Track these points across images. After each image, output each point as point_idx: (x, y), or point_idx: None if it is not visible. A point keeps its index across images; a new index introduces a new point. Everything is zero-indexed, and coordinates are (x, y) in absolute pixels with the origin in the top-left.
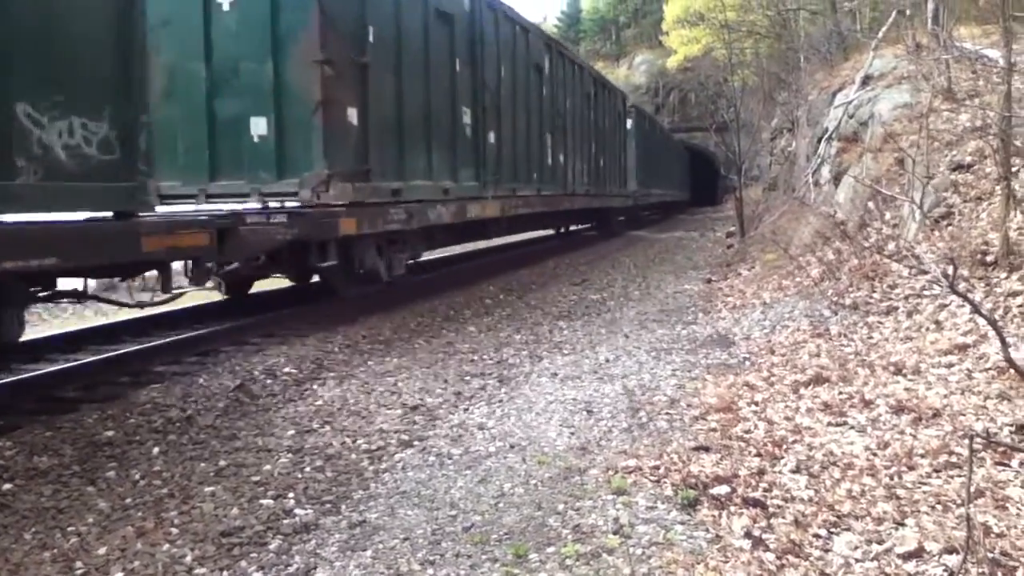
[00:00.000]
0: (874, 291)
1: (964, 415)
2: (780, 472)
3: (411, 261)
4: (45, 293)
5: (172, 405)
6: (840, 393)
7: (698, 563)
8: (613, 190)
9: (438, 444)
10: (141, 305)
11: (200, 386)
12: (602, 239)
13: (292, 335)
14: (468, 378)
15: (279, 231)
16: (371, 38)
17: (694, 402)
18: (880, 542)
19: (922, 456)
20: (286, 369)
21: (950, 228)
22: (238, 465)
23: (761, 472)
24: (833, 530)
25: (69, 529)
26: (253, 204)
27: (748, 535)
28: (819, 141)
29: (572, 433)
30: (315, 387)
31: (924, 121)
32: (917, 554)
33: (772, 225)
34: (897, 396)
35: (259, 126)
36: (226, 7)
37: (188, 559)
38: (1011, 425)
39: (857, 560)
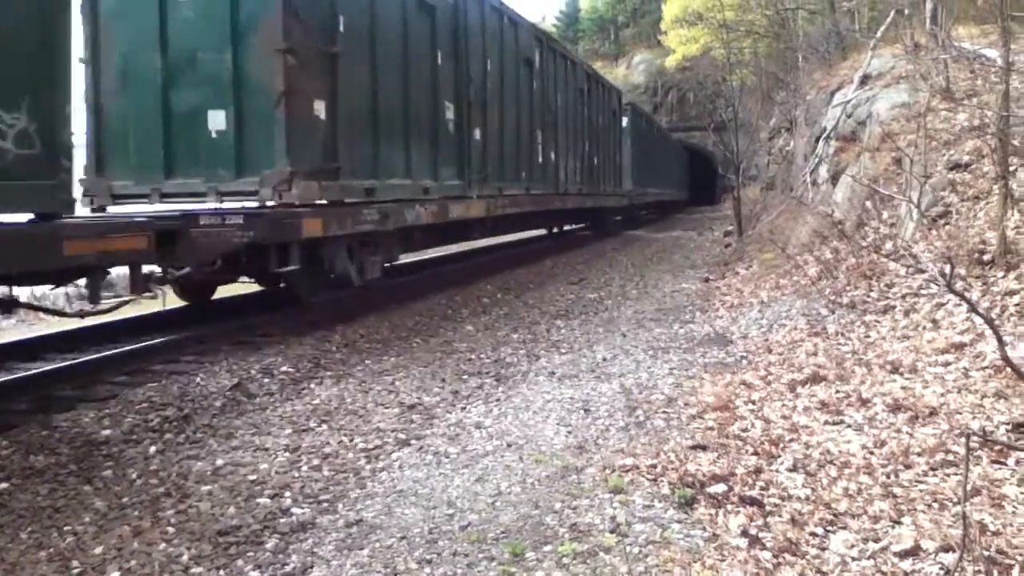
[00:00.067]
0: (871, 290)
1: (961, 413)
2: (777, 471)
3: (388, 264)
4: None
5: (169, 404)
6: (837, 392)
7: (695, 562)
8: (608, 189)
9: (435, 443)
10: (82, 314)
11: (197, 385)
12: (599, 239)
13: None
14: (466, 377)
15: (235, 234)
16: (342, 27)
17: (691, 401)
18: (876, 540)
19: (919, 454)
20: (283, 368)
21: (947, 227)
22: (235, 464)
23: (758, 471)
24: (830, 528)
25: (65, 528)
26: (211, 204)
27: (745, 534)
28: (817, 140)
29: (569, 432)
30: (312, 386)
31: (922, 120)
32: (913, 552)
33: (770, 224)
34: (894, 395)
35: (217, 120)
36: None
37: (185, 558)
38: (1007, 423)
39: (853, 558)
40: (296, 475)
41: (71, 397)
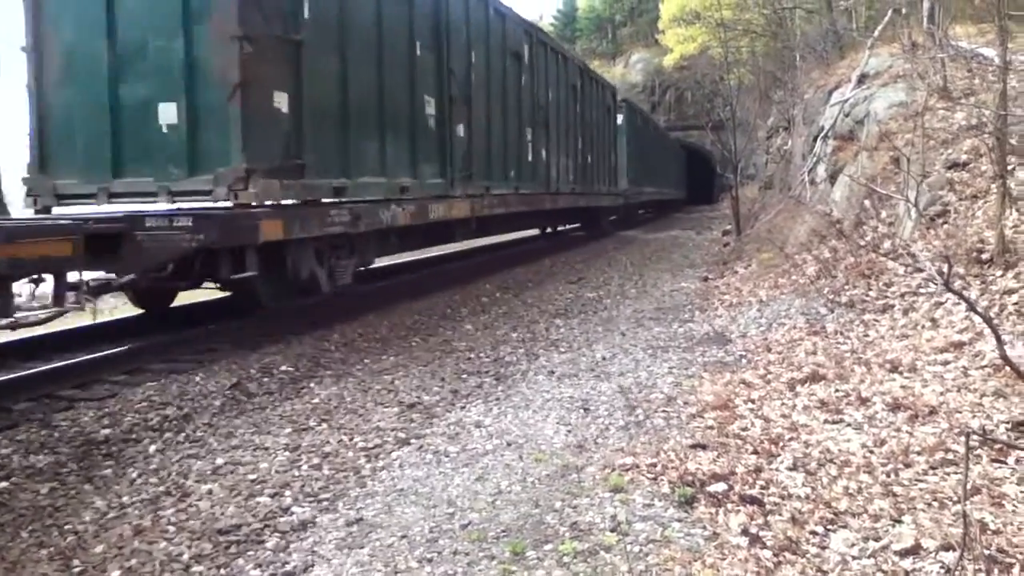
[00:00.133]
0: (870, 289)
1: (960, 412)
2: (777, 469)
3: (362, 268)
4: None
5: (169, 403)
6: (836, 391)
7: (695, 560)
8: (602, 188)
9: (435, 442)
10: (14, 326)
11: (197, 384)
12: (597, 239)
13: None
14: (465, 376)
15: (183, 237)
16: (307, 13)
17: (691, 400)
18: (877, 539)
19: (919, 453)
20: (283, 367)
21: (946, 226)
22: (235, 463)
23: (758, 469)
24: (830, 527)
25: (66, 527)
26: (163, 205)
27: (745, 532)
28: (815, 140)
29: (569, 431)
30: (312, 385)
31: (920, 120)
32: (914, 551)
33: (768, 224)
34: (893, 393)
35: (168, 114)
36: None
37: (185, 557)
38: (1007, 422)
39: (854, 557)
40: (296, 474)
41: None
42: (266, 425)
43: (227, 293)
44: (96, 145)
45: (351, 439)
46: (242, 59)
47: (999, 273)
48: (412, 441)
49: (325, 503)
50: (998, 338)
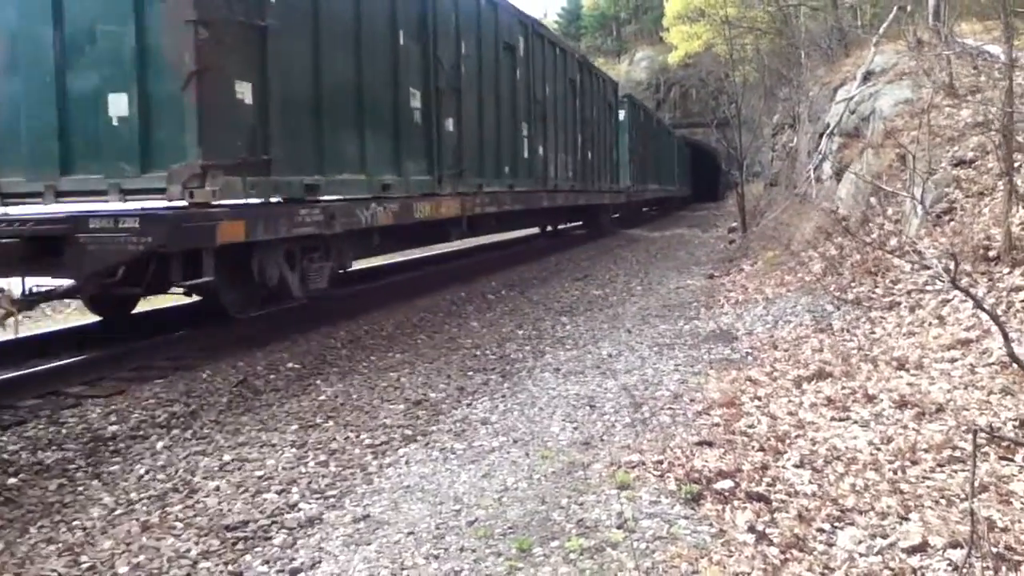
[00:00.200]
0: (876, 286)
1: (967, 410)
2: (783, 467)
3: (341, 271)
4: None
5: (176, 400)
6: (843, 388)
7: (702, 557)
8: (603, 186)
9: (441, 439)
10: None
11: (203, 381)
12: (602, 236)
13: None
14: (471, 373)
15: (129, 239)
16: None
17: (697, 397)
18: (884, 536)
19: (926, 451)
20: (289, 364)
21: (952, 224)
22: (242, 460)
23: (764, 467)
24: (837, 525)
25: (74, 523)
26: (114, 205)
27: (752, 530)
28: (820, 137)
29: (575, 428)
30: (318, 382)
31: (925, 117)
32: (921, 548)
33: (774, 221)
34: (900, 391)
35: (119, 105)
36: None
37: (193, 553)
38: (1015, 420)
39: (861, 554)
40: (303, 471)
41: None
42: (273, 422)
43: (197, 299)
44: (42, 140)
45: (358, 436)
46: (197, 45)
47: (1006, 270)
48: (418, 438)
49: (332, 500)
50: (1005, 335)
